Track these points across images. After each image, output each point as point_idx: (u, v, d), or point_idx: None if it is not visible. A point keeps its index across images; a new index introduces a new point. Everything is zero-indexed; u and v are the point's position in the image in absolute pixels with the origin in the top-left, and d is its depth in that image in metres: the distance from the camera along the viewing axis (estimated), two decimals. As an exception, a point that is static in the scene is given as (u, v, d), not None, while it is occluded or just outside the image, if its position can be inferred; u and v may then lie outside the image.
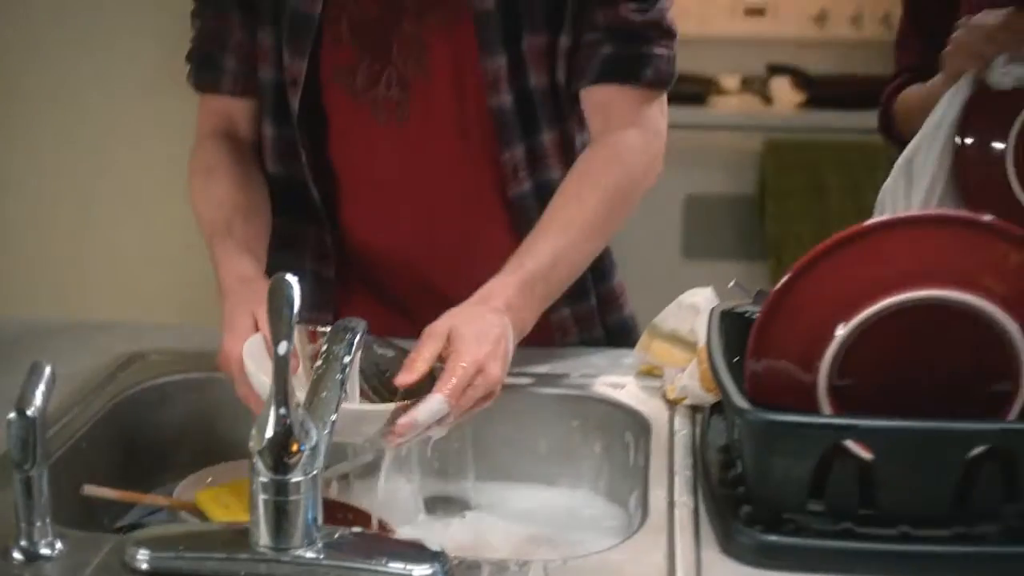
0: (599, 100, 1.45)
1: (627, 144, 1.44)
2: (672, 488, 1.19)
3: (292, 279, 1.01)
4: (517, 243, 1.42)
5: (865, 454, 1.06)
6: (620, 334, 1.60)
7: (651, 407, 1.37)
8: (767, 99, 3.64)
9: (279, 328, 1.00)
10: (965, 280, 1.05)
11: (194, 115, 1.57)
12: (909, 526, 1.06)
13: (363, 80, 1.46)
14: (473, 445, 1.39)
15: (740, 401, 1.07)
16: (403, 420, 1.15)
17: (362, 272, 1.55)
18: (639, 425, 1.35)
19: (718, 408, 1.31)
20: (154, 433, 1.42)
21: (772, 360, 1.09)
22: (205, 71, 1.52)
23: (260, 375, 1.18)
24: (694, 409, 1.35)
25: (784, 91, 3.63)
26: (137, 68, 2.84)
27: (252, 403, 1.22)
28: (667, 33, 1.45)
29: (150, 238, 2.90)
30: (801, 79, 3.63)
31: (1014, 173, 1.48)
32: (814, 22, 3.72)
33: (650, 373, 1.45)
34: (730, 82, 3.66)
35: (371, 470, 1.36)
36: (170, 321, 1.84)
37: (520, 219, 1.48)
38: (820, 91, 3.53)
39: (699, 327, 1.37)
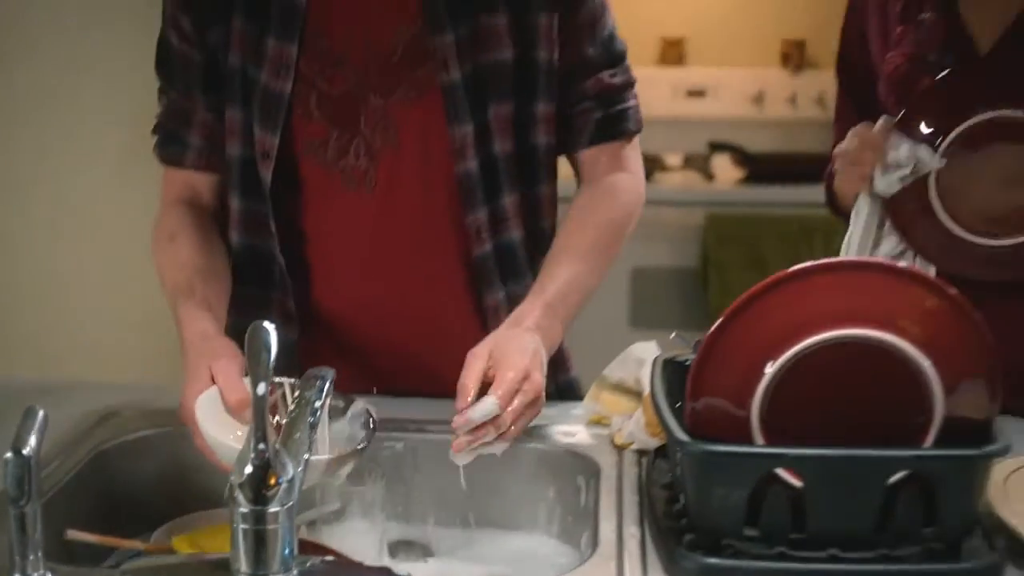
0: (592, 156, 1.65)
1: (618, 185, 1.65)
2: (621, 522, 1.28)
3: (269, 326, 1.10)
4: (477, 301, 1.54)
5: (796, 482, 1.16)
6: (567, 392, 1.71)
7: (600, 452, 1.46)
8: (709, 175, 3.79)
9: (257, 371, 1.09)
10: (883, 321, 1.16)
11: (159, 183, 1.66)
12: (837, 549, 1.16)
13: (333, 152, 1.57)
14: (434, 492, 1.48)
15: (681, 435, 1.17)
16: (458, 418, 1.26)
17: (325, 333, 1.64)
18: (589, 469, 1.44)
19: (662, 451, 1.40)
20: (131, 484, 1.49)
21: (709, 398, 1.19)
22: (169, 146, 1.63)
23: (209, 428, 1.28)
24: (640, 453, 1.45)
25: (725, 168, 3.79)
26: (106, 136, 2.91)
27: (207, 455, 1.31)
28: (632, 85, 1.66)
29: (117, 301, 2.97)
30: (741, 156, 3.78)
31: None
32: (752, 103, 3.90)
33: (599, 422, 1.54)
34: (673, 160, 3.81)
35: (336, 516, 1.45)
36: (138, 381, 1.92)
37: (481, 278, 1.59)
38: (759, 168, 3.69)
39: (644, 378, 1.47)
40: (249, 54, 1.54)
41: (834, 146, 1.83)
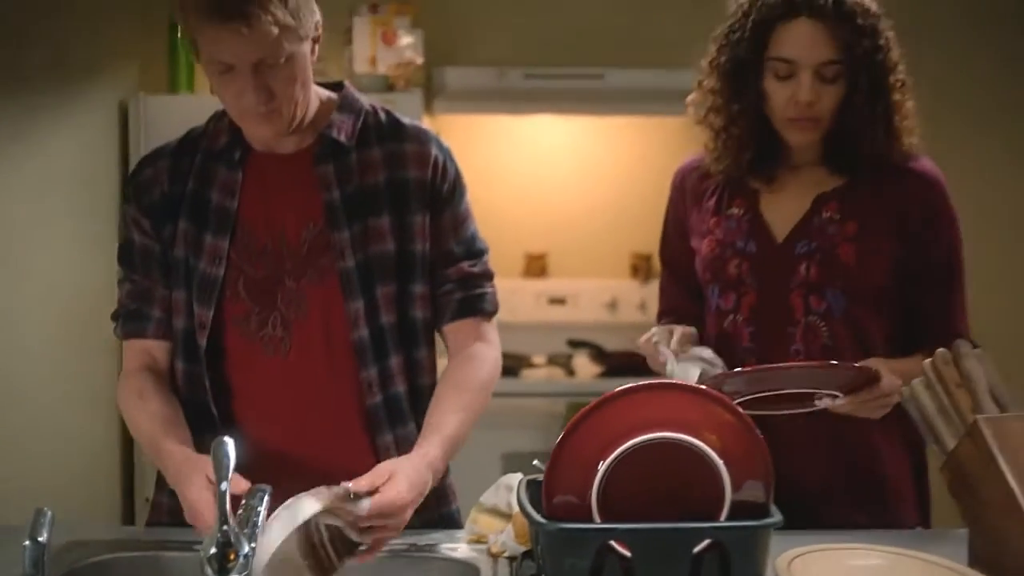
0: (456, 329, 2.03)
1: (478, 354, 2.03)
2: (497, 603, 1.64)
3: (229, 440, 1.48)
4: (370, 441, 1.95)
5: (626, 552, 1.54)
6: (450, 522, 2.06)
7: (479, 561, 1.82)
8: (570, 371, 4.21)
9: (220, 473, 1.46)
10: (690, 429, 1.57)
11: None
12: (659, 604, 1.54)
13: (255, 324, 1.95)
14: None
15: (541, 519, 1.56)
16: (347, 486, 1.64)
17: (250, 461, 1.96)
18: (472, 572, 1.79)
19: (527, 554, 1.77)
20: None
21: (560, 496, 1.58)
22: (132, 322, 1.99)
23: None
24: (511, 559, 1.81)
25: (584, 364, 4.21)
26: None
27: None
28: (490, 277, 2.07)
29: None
30: (598, 353, 4.22)
31: None
32: (607, 309, 4.34)
33: (478, 541, 1.90)
34: (538, 358, 4.22)
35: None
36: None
37: (373, 423, 1.96)
38: (615, 363, 4.11)
39: (512, 501, 1.85)
40: (191, 247, 1.95)
41: (658, 312, 2.28)
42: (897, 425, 2.08)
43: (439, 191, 1.99)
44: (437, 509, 2.04)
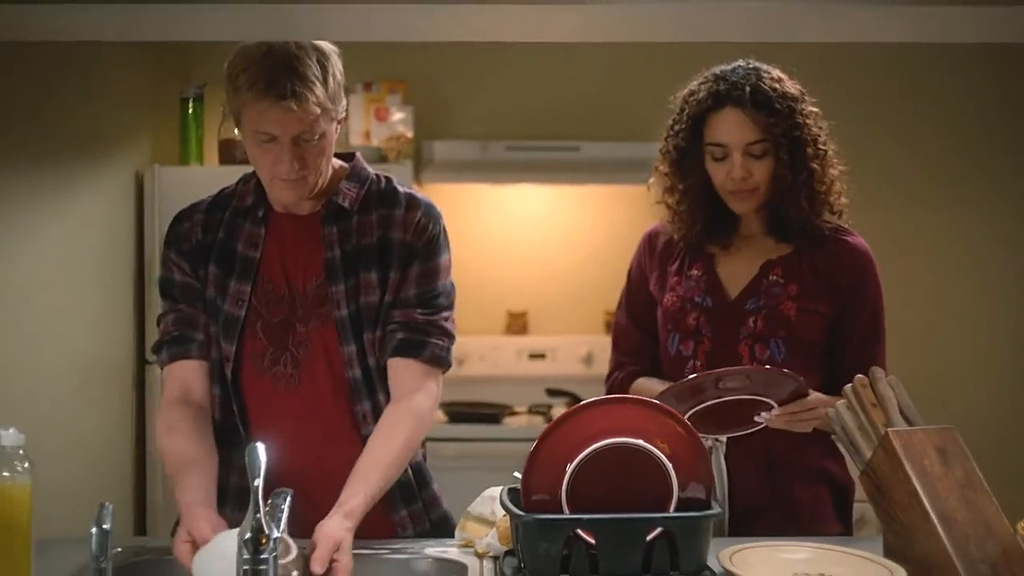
0: (395, 369, 2.22)
1: (416, 404, 2.21)
2: (483, 589, 1.94)
3: (260, 445, 1.78)
4: None
5: (590, 539, 1.85)
6: (443, 527, 2.34)
7: (468, 560, 2.12)
8: (548, 418, 4.43)
9: (254, 471, 1.76)
10: (644, 436, 1.88)
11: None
12: (618, 584, 1.85)
13: (268, 362, 2.25)
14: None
15: (520, 512, 1.86)
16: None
17: (268, 478, 2.25)
18: (460, 569, 2.08)
19: (509, 552, 2.06)
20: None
21: (535, 495, 1.89)
22: (177, 345, 2.25)
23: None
24: (495, 559, 2.11)
25: (561, 412, 4.46)
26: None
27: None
28: (444, 333, 2.25)
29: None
30: (575, 402, 4.42)
31: None
32: (583, 363, 4.62)
33: (466, 545, 2.20)
34: (520, 408, 4.47)
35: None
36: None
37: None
38: (591, 413, 4.40)
39: (496, 509, 2.15)
40: (218, 290, 2.25)
41: (617, 355, 2.59)
42: (819, 459, 2.43)
43: (414, 247, 2.23)
44: (427, 517, 2.33)
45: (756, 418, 2.32)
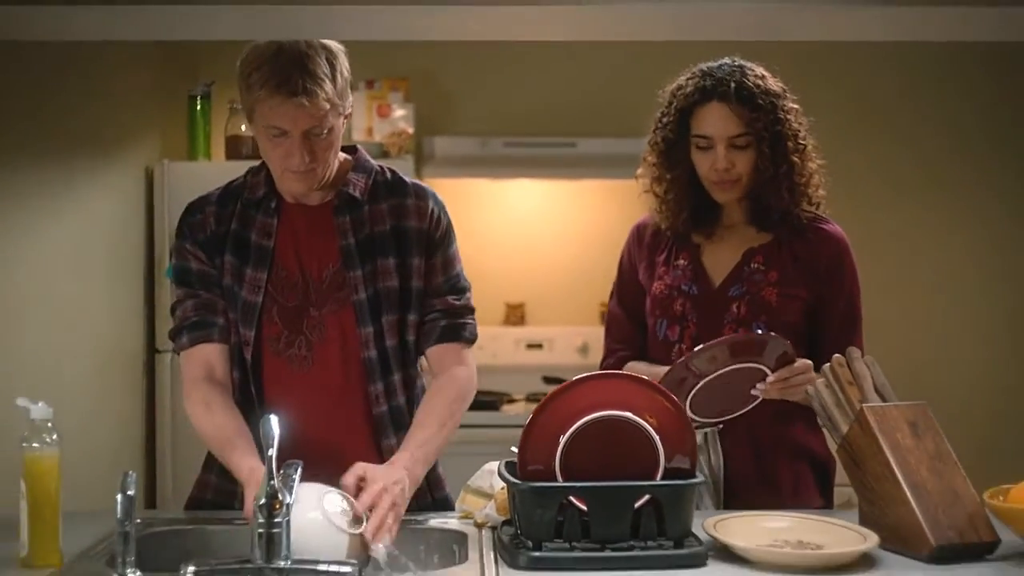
0: (439, 353, 2.41)
1: (458, 375, 2.40)
2: (481, 549, 2.07)
3: (274, 417, 1.90)
4: (376, 443, 2.35)
5: (582, 505, 1.97)
6: (443, 506, 2.47)
7: (467, 529, 2.24)
8: (546, 408, 4.62)
9: (268, 441, 1.89)
10: (633, 410, 2.00)
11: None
12: (609, 546, 1.97)
13: (284, 345, 2.37)
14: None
15: (516, 480, 1.99)
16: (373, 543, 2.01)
17: (281, 452, 2.35)
18: (462, 538, 2.20)
19: (507, 522, 2.19)
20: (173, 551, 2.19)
21: (530, 465, 2.02)
22: (198, 330, 2.36)
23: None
24: (493, 528, 2.23)
25: (559, 403, 4.62)
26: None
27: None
28: (472, 311, 2.46)
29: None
30: (571, 392, 4.63)
31: None
32: (579, 352, 4.72)
33: (466, 516, 2.32)
34: (517, 395, 4.58)
35: None
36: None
37: (379, 429, 2.37)
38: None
39: (494, 482, 2.27)
40: (235, 278, 2.36)
41: (610, 343, 2.71)
42: (801, 437, 2.56)
43: (433, 237, 2.40)
44: (430, 494, 2.46)
45: (752, 391, 2.43)
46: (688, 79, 2.55)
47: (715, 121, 2.50)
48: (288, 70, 2.20)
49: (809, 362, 2.41)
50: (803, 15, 2.13)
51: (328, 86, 2.23)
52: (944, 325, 4.74)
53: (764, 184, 2.52)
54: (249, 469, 2.17)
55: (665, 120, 2.58)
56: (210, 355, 2.37)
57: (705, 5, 2.09)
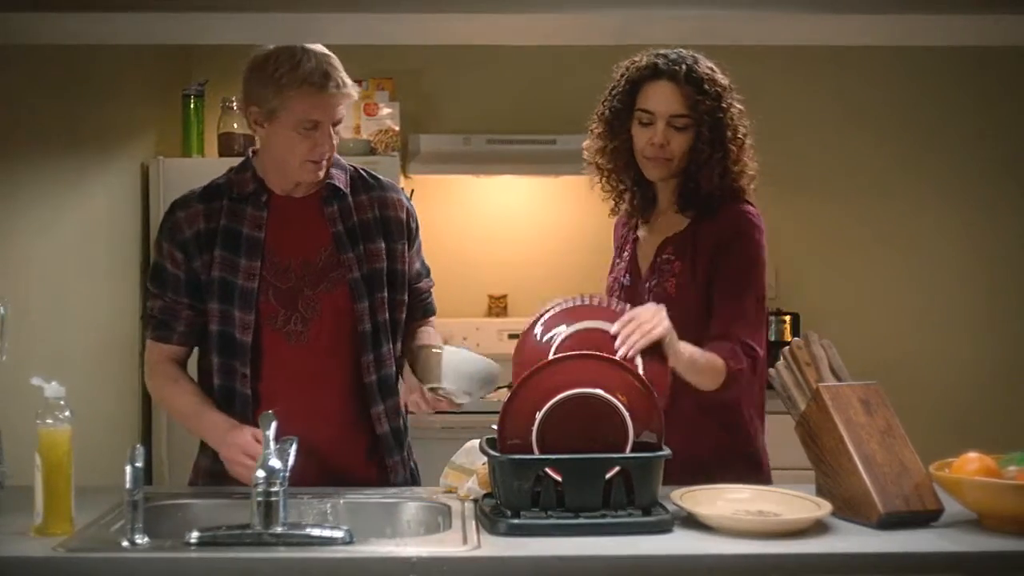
0: (421, 323, 2.72)
1: (431, 331, 2.72)
2: (464, 520, 2.22)
3: (271, 413, 2.08)
4: (364, 410, 2.55)
5: (557, 476, 2.13)
6: (416, 476, 2.69)
7: (452, 502, 2.39)
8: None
9: (266, 423, 2.04)
10: (604, 387, 2.15)
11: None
12: (582, 514, 2.12)
13: (280, 321, 2.54)
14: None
15: (496, 453, 2.14)
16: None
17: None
18: (446, 510, 2.35)
19: (488, 495, 2.33)
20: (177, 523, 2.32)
21: (509, 439, 2.17)
22: (161, 330, 2.57)
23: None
24: (476, 501, 2.38)
25: (541, 392, 4.76)
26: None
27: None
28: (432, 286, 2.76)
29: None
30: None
31: None
32: (560, 343, 4.90)
33: (450, 491, 2.47)
34: (500, 383, 4.74)
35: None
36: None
37: (369, 397, 2.56)
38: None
39: (476, 459, 2.42)
40: (227, 269, 2.52)
41: None
42: (760, 418, 2.67)
43: (411, 228, 2.69)
44: (408, 463, 2.65)
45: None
46: (644, 55, 2.67)
47: (660, 98, 2.61)
48: (326, 68, 2.45)
49: (647, 306, 2.41)
50: (774, 21, 2.36)
51: (347, 79, 2.49)
52: (923, 318, 4.88)
53: (698, 165, 2.61)
54: (226, 430, 2.42)
55: (615, 92, 2.70)
56: (170, 352, 2.59)
57: (680, 12, 2.29)
